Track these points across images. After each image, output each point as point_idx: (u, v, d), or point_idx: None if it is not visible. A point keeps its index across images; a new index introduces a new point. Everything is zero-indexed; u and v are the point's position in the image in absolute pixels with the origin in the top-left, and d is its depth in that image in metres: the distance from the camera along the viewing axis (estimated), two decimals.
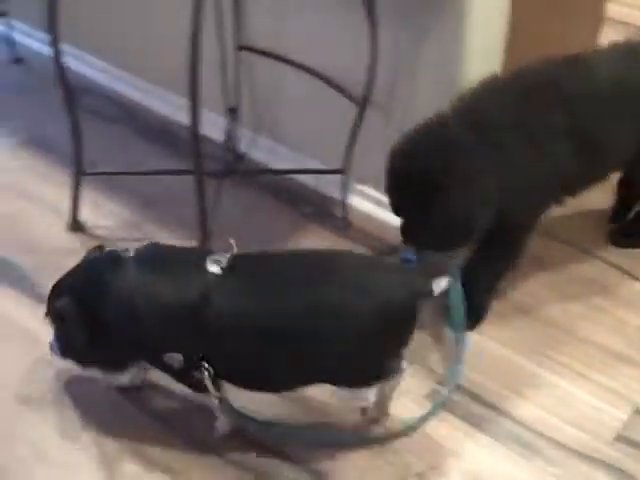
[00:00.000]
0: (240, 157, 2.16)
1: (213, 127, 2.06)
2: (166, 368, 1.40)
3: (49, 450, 1.48)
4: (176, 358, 1.36)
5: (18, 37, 2.66)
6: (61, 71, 1.79)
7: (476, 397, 1.59)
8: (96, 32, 2.38)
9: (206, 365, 1.35)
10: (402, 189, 1.56)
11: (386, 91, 1.80)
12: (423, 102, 1.72)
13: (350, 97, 1.81)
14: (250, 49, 2.01)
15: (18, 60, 2.63)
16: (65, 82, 1.80)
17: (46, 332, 1.50)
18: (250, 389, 1.43)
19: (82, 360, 1.49)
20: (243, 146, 2.16)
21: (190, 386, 1.43)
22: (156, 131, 2.33)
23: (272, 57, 1.97)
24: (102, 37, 2.41)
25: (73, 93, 1.83)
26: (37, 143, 2.28)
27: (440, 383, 1.61)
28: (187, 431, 1.51)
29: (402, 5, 1.70)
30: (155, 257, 1.43)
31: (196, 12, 1.50)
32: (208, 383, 1.36)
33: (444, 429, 1.52)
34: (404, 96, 1.79)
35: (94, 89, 2.44)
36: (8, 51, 2.63)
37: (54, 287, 1.46)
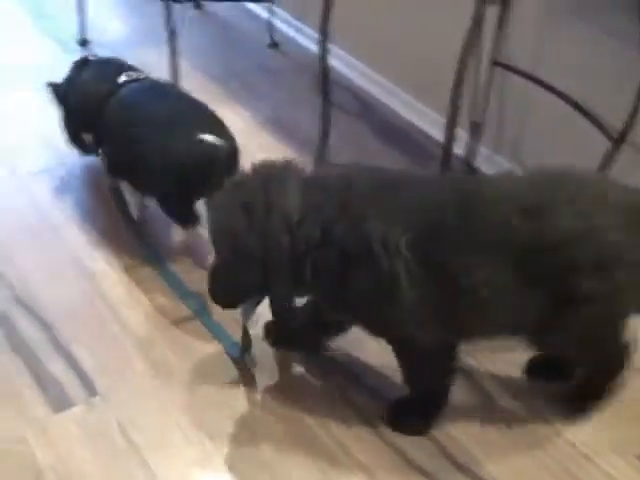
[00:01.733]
0: (474, 172, 2.16)
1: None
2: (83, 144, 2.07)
3: None
4: (87, 137, 1.99)
5: (277, 23, 2.83)
6: (325, 69, 1.88)
7: None
8: (356, 32, 2.47)
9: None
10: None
11: None
12: None
13: (605, 131, 1.76)
14: (505, 66, 2.00)
15: (274, 45, 2.79)
16: (325, 78, 1.89)
17: None
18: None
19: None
20: (479, 161, 2.17)
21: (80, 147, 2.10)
22: (394, 132, 2.39)
23: (526, 77, 1.95)
24: (365, 39, 2.50)
25: (329, 87, 1.92)
26: (280, 125, 2.40)
27: None
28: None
29: None
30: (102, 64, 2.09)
31: (471, 35, 1.51)
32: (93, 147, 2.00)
33: None
34: None
35: (340, 81, 2.52)
36: (267, 35, 2.79)
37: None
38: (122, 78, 1.94)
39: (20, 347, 1.67)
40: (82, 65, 2.08)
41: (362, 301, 1.39)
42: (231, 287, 1.49)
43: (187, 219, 1.82)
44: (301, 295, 1.46)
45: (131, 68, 2.03)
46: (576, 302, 1.37)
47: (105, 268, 1.88)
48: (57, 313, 1.75)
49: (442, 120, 2.13)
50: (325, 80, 1.90)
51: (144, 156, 1.77)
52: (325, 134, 1.99)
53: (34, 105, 2.31)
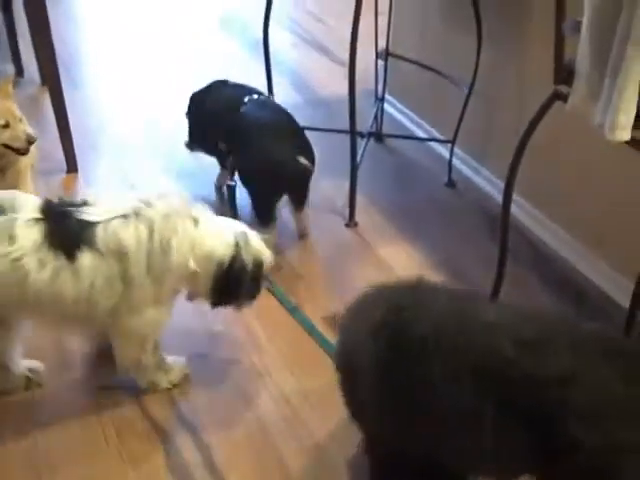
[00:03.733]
0: None
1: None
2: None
3: None
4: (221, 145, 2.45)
5: (456, 163, 2.85)
6: (506, 219, 1.86)
7: None
8: (535, 180, 2.44)
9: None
10: None
11: None
12: None
13: None
14: None
15: (451, 184, 2.80)
16: (505, 230, 1.87)
17: None
18: None
19: None
20: None
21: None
22: (569, 288, 2.30)
23: None
24: (544, 188, 2.47)
25: (507, 237, 1.89)
26: (451, 268, 2.36)
27: None
28: None
29: None
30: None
31: None
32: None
33: None
34: None
35: (512, 224, 2.48)
36: (445, 174, 2.82)
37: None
38: (247, 98, 2.45)
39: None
40: (221, 84, 2.59)
41: None
42: None
43: (268, 219, 2.32)
44: None
45: (258, 92, 2.53)
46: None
47: None
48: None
49: (627, 284, 2.04)
50: (505, 234, 1.88)
51: (254, 162, 2.32)
52: (497, 286, 1.95)
53: None
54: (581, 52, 1.58)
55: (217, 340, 2.04)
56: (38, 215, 1.64)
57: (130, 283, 1.67)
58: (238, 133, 2.38)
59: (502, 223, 1.91)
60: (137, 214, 1.68)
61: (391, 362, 1.40)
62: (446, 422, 1.35)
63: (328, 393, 1.86)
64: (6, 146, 2.40)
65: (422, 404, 1.37)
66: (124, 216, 1.67)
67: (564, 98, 1.67)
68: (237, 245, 1.79)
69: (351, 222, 2.55)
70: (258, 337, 2.06)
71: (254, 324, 2.09)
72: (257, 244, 1.85)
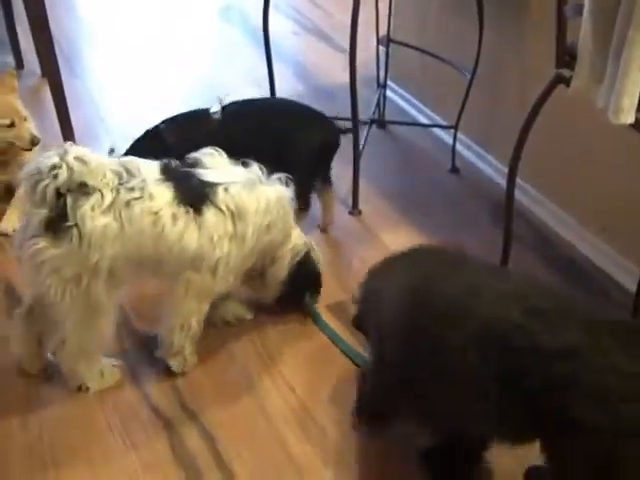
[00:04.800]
0: None
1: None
2: None
3: None
4: None
5: (459, 148, 2.84)
6: (510, 203, 1.86)
7: None
8: (540, 164, 2.44)
9: None
10: None
11: None
12: None
13: None
14: None
15: (455, 170, 2.80)
16: (510, 214, 1.87)
17: None
18: None
19: None
20: None
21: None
22: (574, 271, 2.30)
23: None
24: (549, 173, 2.46)
25: (512, 221, 1.89)
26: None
27: None
28: None
29: None
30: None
31: None
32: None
33: None
34: None
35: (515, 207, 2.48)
36: (449, 160, 2.81)
37: None
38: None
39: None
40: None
41: None
42: None
43: (309, 202, 2.31)
44: None
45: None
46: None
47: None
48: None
49: (632, 267, 2.04)
50: (509, 216, 1.88)
51: (300, 141, 2.25)
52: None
53: None
54: (583, 35, 1.57)
55: (222, 328, 2.05)
56: (162, 176, 1.74)
57: (236, 244, 1.79)
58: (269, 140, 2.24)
59: (506, 207, 1.91)
60: (254, 185, 1.83)
61: (415, 323, 1.47)
62: (456, 384, 1.40)
63: (336, 383, 1.88)
64: (10, 143, 2.41)
65: (438, 365, 1.42)
66: (243, 183, 1.82)
67: (567, 82, 1.67)
68: (310, 245, 2.03)
69: (355, 210, 2.54)
70: (263, 322, 2.07)
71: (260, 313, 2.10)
72: (319, 254, 2.07)
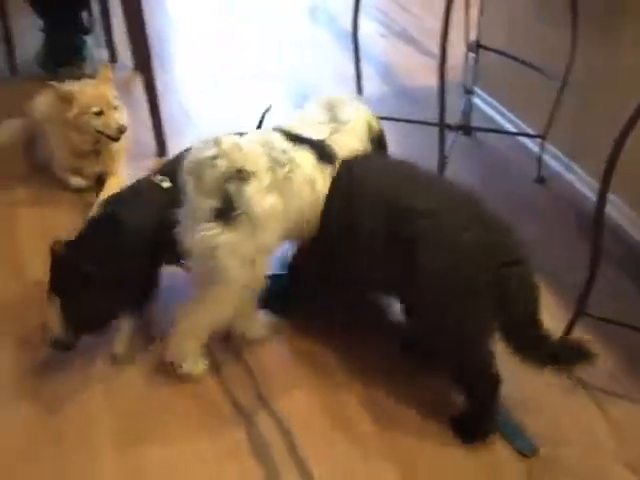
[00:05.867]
0: None
1: None
2: None
3: None
4: None
5: (547, 158, 2.78)
6: (600, 217, 1.81)
7: None
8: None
9: None
10: None
11: None
12: None
13: None
14: None
15: (541, 180, 2.74)
16: (599, 231, 1.81)
17: None
18: None
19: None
20: None
21: None
22: None
23: None
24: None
25: (601, 243, 1.84)
26: (541, 267, 2.30)
27: None
28: None
29: None
30: None
31: None
32: None
33: None
34: None
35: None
36: (535, 169, 2.76)
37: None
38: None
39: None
40: None
41: None
42: None
43: None
44: None
45: None
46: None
47: None
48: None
49: None
50: (599, 231, 1.82)
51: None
52: (589, 285, 1.89)
53: None
54: None
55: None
56: (291, 143, 1.79)
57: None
58: None
59: (595, 221, 1.85)
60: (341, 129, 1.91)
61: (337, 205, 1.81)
62: (362, 246, 1.75)
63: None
64: (99, 132, 2.48)
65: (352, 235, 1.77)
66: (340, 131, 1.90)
67: None
68: None
69: None
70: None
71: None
72: None
